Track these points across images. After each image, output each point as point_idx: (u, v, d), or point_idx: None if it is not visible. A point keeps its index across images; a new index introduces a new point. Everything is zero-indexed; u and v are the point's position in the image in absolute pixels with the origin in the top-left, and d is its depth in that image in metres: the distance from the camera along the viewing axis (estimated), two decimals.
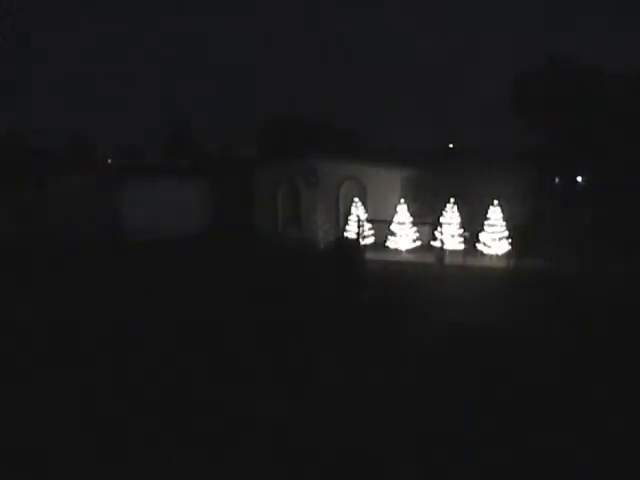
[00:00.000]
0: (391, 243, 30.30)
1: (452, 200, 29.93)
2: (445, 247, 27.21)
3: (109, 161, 65.45)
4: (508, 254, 26.69)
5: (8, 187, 41.34)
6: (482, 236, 28.25)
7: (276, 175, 37.50)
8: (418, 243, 30.36)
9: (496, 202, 28.15)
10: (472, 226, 29.33)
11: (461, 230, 29.53)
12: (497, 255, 27.53)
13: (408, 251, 29.87)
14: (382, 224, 30.89)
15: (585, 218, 29.29)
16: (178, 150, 66.41)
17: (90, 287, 22.26)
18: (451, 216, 29.66)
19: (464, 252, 28.03)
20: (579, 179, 40.86)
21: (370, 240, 31.15)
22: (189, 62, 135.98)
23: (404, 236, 30.00)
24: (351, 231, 31.96)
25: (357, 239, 27.12)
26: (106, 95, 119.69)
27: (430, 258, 27.28)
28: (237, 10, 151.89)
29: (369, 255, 27.35)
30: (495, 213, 28.03)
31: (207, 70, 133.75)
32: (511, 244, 27.35)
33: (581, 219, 29.31)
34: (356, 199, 33.27)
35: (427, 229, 31.26)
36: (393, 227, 30.29)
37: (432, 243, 29.63)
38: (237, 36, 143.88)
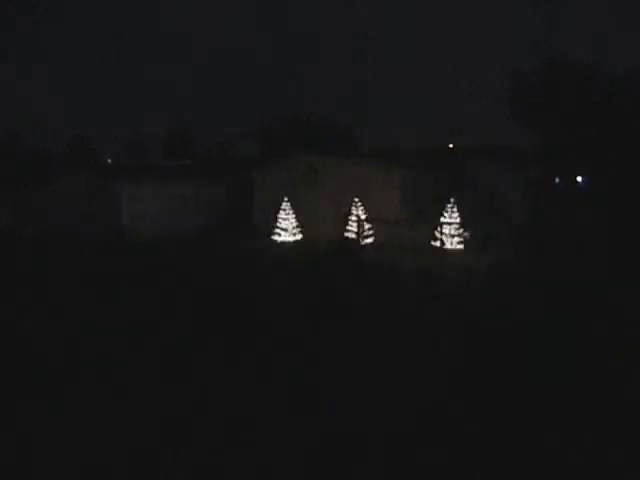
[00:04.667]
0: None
1: (452, 200, 29.91)
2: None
3: (109, 161, 65.42)
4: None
5: (8, 187, 41.34)
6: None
7: (276, 175, 37.46)
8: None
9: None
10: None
11: (461, 230, 29.52)
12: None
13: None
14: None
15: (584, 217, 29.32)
16: (178, 150, 66.37)
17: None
18: (450, 216, 29.57)
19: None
20: (579, 179, 40.87)
21: (370, 240, 31.13)
22: (189, 62, 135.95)
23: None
24: (351, 231, 31.99)
25: (357, 239, 27.18)
26: (106, 95, 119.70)
27: None
28: (237, 10, 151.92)
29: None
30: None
31: (207, 70, 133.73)
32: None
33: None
34: (356, 199, 33.25)
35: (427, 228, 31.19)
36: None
37: (432, 243, 29.61)
38: (237, 36, 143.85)
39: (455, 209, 29.75)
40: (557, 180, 41.17)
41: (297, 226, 33.68)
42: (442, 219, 29.50)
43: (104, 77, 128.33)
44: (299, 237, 33.58)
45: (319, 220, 34.40)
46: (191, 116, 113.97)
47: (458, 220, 29.61)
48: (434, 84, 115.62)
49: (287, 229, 33.45)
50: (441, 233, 29.08)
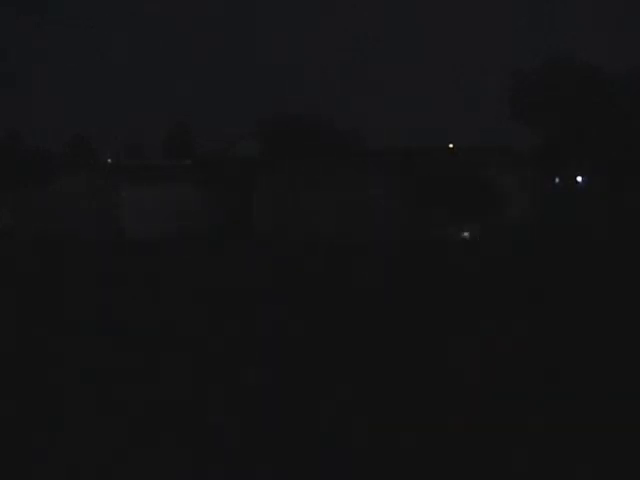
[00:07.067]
0: None
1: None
2: None
3: (109, 161, 65.43)
4: None
5: (8, 187, 41.33)
6: None
7: (276, 175, 37.48)
8: None
9: None
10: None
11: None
12: None
13: None
14: None
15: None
16: (178, 150, 66.34)
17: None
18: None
19: None
20: (579, 179, 40.89)
21: None
22: (189, 62, 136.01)
23: None
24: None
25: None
26: (106, 95, 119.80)
27: None
28: (236, 10, 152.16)
29: None
30: None
31: (207, 69, 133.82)
32: None
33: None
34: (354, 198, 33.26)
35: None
36: None
37: None
38: (237, 36, 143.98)
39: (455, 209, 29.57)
40: (557, 180, 41.21)
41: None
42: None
43: (104, 77, 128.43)
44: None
45: (319, 220, 34.41)
46: (191, 116, 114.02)
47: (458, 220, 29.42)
48: (434, 84, 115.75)
49: None
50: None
